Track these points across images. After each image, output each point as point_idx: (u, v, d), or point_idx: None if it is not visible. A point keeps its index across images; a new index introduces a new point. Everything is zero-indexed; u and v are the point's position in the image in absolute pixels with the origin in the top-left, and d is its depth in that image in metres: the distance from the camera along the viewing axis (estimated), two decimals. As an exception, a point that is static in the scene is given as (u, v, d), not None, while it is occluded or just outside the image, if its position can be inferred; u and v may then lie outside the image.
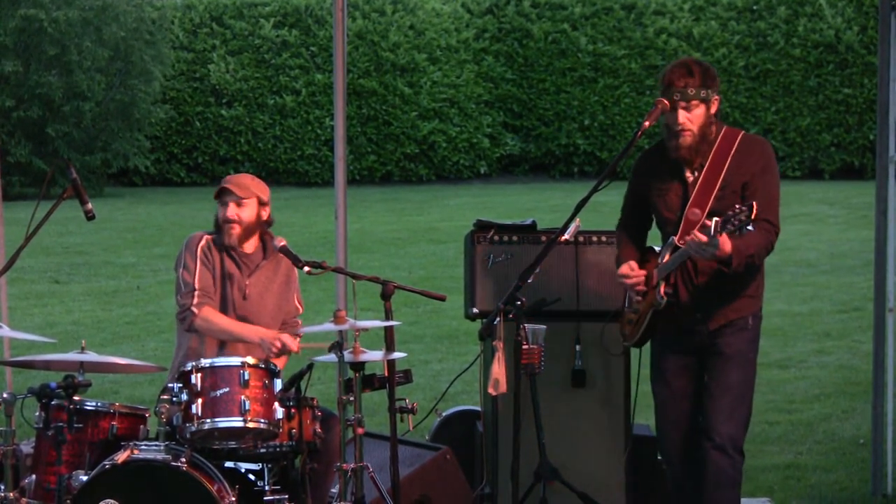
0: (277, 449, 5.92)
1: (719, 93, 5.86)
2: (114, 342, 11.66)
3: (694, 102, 5.76)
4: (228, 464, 5.96)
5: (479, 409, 7.05)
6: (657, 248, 6.02)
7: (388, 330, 5.95)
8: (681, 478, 6.06)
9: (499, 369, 5.90)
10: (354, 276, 6.17)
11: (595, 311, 6.69)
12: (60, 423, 5.66)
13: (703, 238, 5.49)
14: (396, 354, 5.94)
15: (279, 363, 6.25)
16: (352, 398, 5.80)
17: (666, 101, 5.74)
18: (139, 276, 15.05)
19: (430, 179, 24.99)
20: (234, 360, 5.91)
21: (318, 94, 24.58)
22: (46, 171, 21.63)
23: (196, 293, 6.29)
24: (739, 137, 5.86)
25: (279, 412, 5.86)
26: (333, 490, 6.17)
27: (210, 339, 6.35)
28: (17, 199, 19.30)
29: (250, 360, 5.93)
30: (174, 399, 5.80)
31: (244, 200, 6.38)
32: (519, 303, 5.92)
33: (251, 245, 6.46)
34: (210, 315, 6.28)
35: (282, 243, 6.21)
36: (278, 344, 6.22)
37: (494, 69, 25.37)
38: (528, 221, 7.01)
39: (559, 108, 25.29)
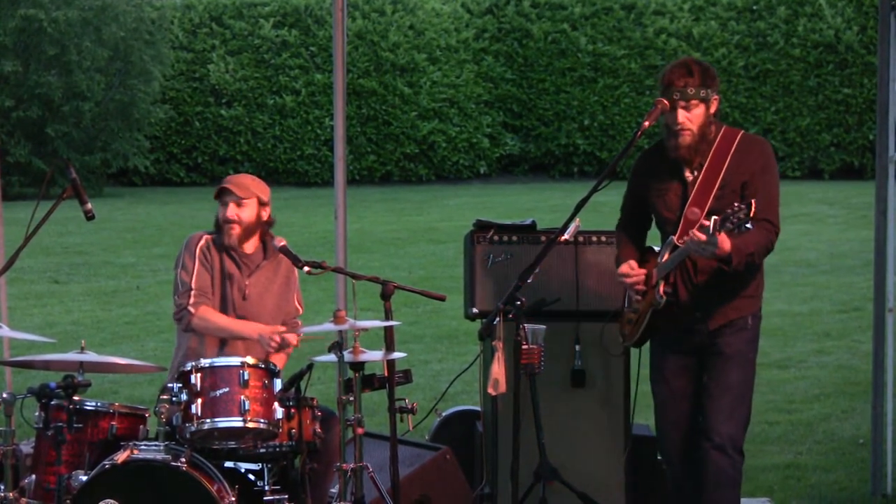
0: (277, 449, 5.91)
1: (719, 93, 5.86)
2: (113, 342, 11.66)
3: (693, 102, 5.76)
4: (228, 464, 5.96)
5: (478, 409, 7.05)
6: (657, 249, 6.02)
7: (388, 330, 5.95)
8: (680, 478, 6.06)
9: (498, 369, 5.90)
10: (354, 276, 6.17)
11: (595, 311, 6.69)
12: (60, 423, 5.66)
13: (702, 237, 5.49)
14: (396, 354, 5.94)
15: (279, 363, 6.25)
16: (352, 398, 5.80)
17: (665, 101, 5.74)
18: (139, 276, 15.05)
19: (430, 179, 25.00)
20: (234, 360, 5.91)
21: (317, 94, 24.58)
22: (46, 171, 21.63)
23: (193, 292, 6.29)
24: (739, 137, 5.86)
25: (279, 412, 5.86)
26: (333, 490, 6.16)
27: (210, 340, 6.35)
28: (16, 199, 19.30)
29: (250, 360, 5.93)
30: (174, 399, 5.80)
31: (244, 201, 6.38)
32: (518, 303, 5.92)
33: (251, 245, 6.46)
34: (207, 313, 6.28)
35: (282, 243, 6.21)
36: (277, 339, 6.22)
37: (494, 69, 25.38)
38: (528, 221, 7.01)
39: (559, 108, 25.30)
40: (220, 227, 6.42)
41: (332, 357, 5.79)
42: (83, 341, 5.89)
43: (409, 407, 5.97)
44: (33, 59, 22.59)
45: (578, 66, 25.26)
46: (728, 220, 5.42)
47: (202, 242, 6.41)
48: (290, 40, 24.68)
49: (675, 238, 5.80)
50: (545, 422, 6.23)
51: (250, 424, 5.78)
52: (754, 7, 25.28)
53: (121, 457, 5.67)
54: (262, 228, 6.46)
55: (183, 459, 5.67)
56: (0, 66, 21.96)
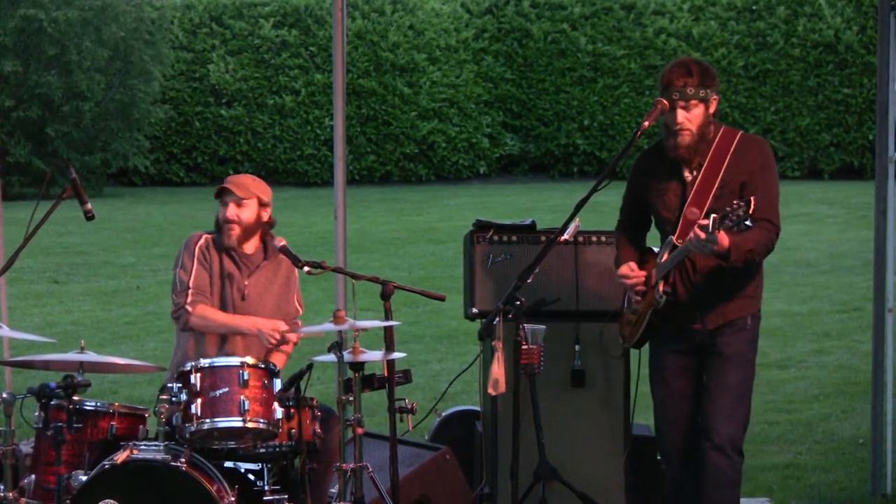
0: (277, 449, 5.91)
1: (718, 92, 5.86)
2: (113, 342, 11.66)
3: (693, 102, 5.76)
4: (228, 464, 5.96)
5: (478, 409, 7.05)
6: (656, 250, 6.02)
7: (388, 330, 5.95)
8: (680, 478, 6.06)
9: (498, 369, 5.90)
10: (354, 276, 6.17)
11: (594, 311, 6.69)
12: (60, 423, 5.66)
13: (702, 235, 5.49)
14: (396, 354, 5.94)
15: (279, 363, 6.25)
16: (351, 398, 5.79)
17: (665, 101, 5.74)
18: (138, 276, 15.05)
19: (430, 179, 25.00)
20: (234, 360, 5.91)
21: (317, 94, 24.59)
22: (46, 171, 21.64)
23: (190, 291, 6.30)
24: (738, 137, 5.86)
25: (278, 412, 5.86)
26: (333, 490, 6.16)
27: (209, 339, 6.35)
28: (16, 199, 19.31)
29: (249, 360, 5.93)
30: (173, 399, 5.79)
31: (244, 201, 6.38)
32: (518, 303, 5.92)
33: (251, 245, 6.46)
34: (205, 311, 6.28)
35: (281, 243, 6.21)
36: (276, 335, 6.22)
37: (494, 69, 25.38)
38: (528, 221, 7.01)
39: (558, 108, 25.30)
40: (220, 227, 6.41)
41: (331, 357, 5.79)
42: (83, 341, 5.89)
43: (409, 407, 5.97)
44: (33, 59, 22.59)
45: (578, 66, 25.27)
46: (727, 217, 5.42)
47: (202, 242, 6.41)
48: (290, 40, 24.68)
49: (674, 238, 5.80)
50: (545, 422, 6.23)
51: (250, 424, 5.78)
52: (754, 7, 25.29)
53: (120, 457, 5.67)
54: (263, 229, 6.46)
55: (182, 459, 5.67)
56: (0, 66, 21.96)
